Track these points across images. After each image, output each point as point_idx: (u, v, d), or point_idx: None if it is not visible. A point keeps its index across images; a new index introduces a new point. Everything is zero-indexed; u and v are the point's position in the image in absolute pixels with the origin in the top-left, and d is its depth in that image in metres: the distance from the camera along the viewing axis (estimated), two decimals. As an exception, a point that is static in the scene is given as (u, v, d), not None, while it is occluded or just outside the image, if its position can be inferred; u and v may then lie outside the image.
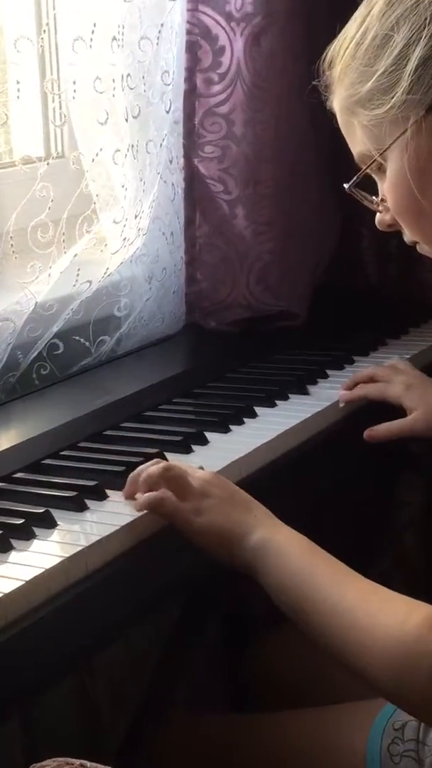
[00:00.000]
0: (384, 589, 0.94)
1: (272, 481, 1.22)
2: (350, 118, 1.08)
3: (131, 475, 1.06)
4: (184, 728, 1.26)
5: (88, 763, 0.79)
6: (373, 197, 1.12)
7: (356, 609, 0.92)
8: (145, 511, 1.03)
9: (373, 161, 1.07)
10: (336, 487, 1.45)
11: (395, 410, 1.36)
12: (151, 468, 1.05)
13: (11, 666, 0.89)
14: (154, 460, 1.08)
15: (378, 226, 1.13)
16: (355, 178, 1.10)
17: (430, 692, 0.88)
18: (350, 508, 1.69)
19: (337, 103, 1.09)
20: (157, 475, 1.03)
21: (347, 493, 1.59)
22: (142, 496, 1.03)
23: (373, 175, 1.10)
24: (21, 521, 1.01)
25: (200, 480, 1.04)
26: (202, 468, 1.10)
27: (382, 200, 1.10)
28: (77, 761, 0.79)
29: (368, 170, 1.09)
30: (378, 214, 1.12)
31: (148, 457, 1.15)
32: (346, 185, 1.12)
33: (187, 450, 1.20)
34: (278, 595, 0.98)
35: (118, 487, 1.08)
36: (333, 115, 1.13)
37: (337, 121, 1.12)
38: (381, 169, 1.07)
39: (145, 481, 1.04)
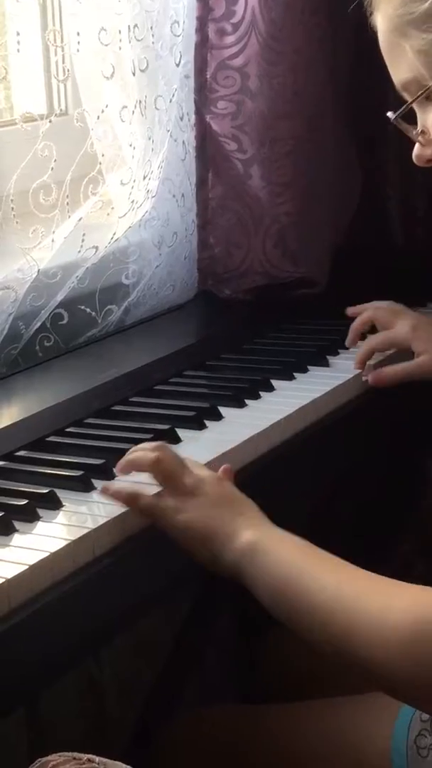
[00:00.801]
0: (388, 578, 0.92)
1: (290, 458, 1.22)
2: (399, 39, 1.04)
3: (126, 458, 1.05)
4: (194, 720, 1.27)
5: (96, 758, 0.79)
6: (412, 128, 1.09)
7: (360, 595, 0.91)
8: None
9: (427, 89, 1.03)
10: (358, 464, 1.45)
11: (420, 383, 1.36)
12: (143, 456, 1.03)
13: (15, 656, 0.89)
14: (158, 443, 1.06)
15: (416, 161, 1.10)
16: (403, 107, 1.07)
17: None
18: (372, 488, 1.69)
19: (382, 22, 1.05)
20: (147, 465, 1.03)
21: (370, 472, 1.59)
22: (116, 486, 1.03)
23: (414, 106, 1.07)
24: (24, 502, 1.01)
25: (196, 478, 1.02)
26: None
27: (423, 132, 1.07)
28: (84, 756, 0.79)
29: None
30: (416, 147, 1.09)
31: (158, 434, 1.16)
32: (390, 114, 1.09)
33: (200, 426, 1.20)
34: (269, 597, 0.96)
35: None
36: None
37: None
38: (429, 98, 1.04)
39: (131, 464, 1.04)
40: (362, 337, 1.44)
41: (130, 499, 1.01)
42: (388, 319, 1.40)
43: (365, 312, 1.43)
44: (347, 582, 0.92)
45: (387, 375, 1.34)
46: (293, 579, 0.94)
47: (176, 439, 1.16)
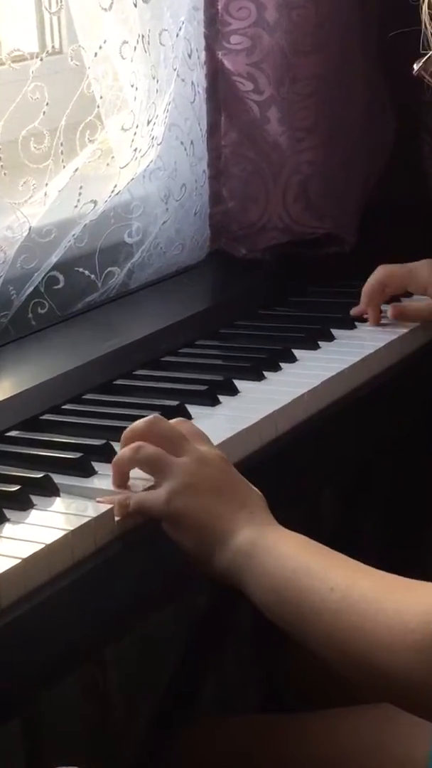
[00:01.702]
0: (404, 578, 0.92)
1: (314, 437, 1.22)
2: None
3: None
4: (210, 729, 1.27)
5: (99, 773, 0.79)
6: None
7: (373, 595, 0.90)
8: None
9: None
10: (390, 442, 1.45)
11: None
12: (123, 453, 1.01)
13: (8, 658, 0.90)
14: (146, 419, 1.02)
15: None
16: (428, 55, 1.07)
17: None
18: (406, 468, 1.69)
19: None
20: (128, 459, 1.00)
21: (403, 450, 1.59)
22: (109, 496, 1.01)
23: None
24: (16, 488, 1.01)
25: (195, 456, 0.99)
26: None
27: None
28: (85, 770, 0.79)
29: None
30: None
31: (166, 411, 1.15)
32: (415, 66, 1.09)
33: (214, 401, 1.20)
34: (269, 600, 0.94)
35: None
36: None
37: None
38: None
39: (118, 467, 1.01)
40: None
41: (121, 509, 0.99)
42: (401, 272, 1.42)
43: (374, 274, 1.44)
44: (359, 581, 0.91)
45: (410, 309, 1.39)
46: (298, 579, 0.92)
47: (186, 417, 1.16)
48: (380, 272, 1.44)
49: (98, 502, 1.00)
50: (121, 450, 1.02)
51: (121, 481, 1.02)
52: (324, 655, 0.93)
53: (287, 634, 0.95)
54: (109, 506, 0.99)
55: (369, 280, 1.44)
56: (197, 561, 0.97)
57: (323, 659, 0.93)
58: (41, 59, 1.33)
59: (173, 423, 1.03)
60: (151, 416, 1.03)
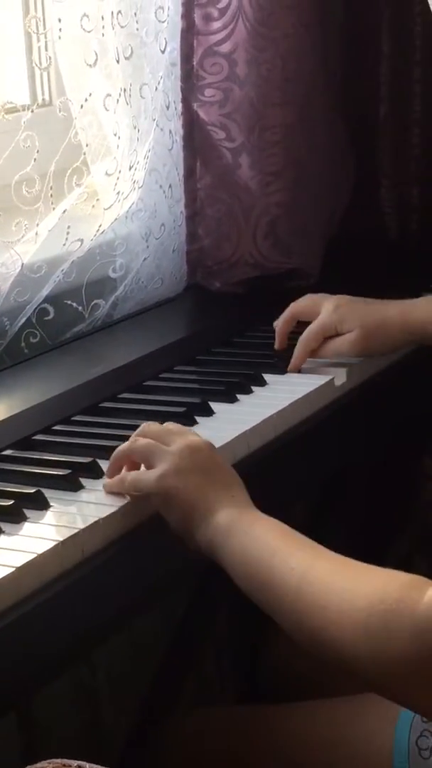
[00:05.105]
0: (360, 562, 0.93)
1: (283, 453, 1.21)
2: None
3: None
4: (191, 721, 1.26)
5: (87, 765, 0.78)
6: None
7: (328, 576, 0.91)
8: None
9: None
10: (352, 459, 1.45)
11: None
12: (119, 447, 1.05)
13: (2, 660, 0.89)
14: (138, 429, 1.06)
15: None
16: None
17: (410, 655, 0.85)
18: (367, 483, 1.68)
19: None
20: (125, 449, 1.04)
21: (364, 466, 1.58)
22: (108, 482, 1.04)
23: None
24: (10, 502, 1.00)
25: (183, 443, 1.02)
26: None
27: None
28: (75, 762, 0.79)
29: None
30: None
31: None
32: None
33: (191, 422, 1.20)
34: (241, 575, 0.96)
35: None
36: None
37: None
38: None
39: (115, 460, 1.04)
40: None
41: (119, 484, 1.02)
42: (311, 309, 1.37)
43: (285, 311, 1.40)
44: (317, 563, 0.92)
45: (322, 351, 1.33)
46: (265, 560, 0.94)
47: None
48: (289, 309, 1.39)
49: (106, 486, 1.03)
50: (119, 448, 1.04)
51: (116, 471, 1.04)
52: (286, 629, 0.94)
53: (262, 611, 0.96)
54: (95, 519, 0.99)
55: (281, 317, 1.39)
56: (182, 535, 0.99)
57: (287, 633, 0.94)
58: (32, 111, 1.33)
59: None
60: (139, 428, 1.06)
